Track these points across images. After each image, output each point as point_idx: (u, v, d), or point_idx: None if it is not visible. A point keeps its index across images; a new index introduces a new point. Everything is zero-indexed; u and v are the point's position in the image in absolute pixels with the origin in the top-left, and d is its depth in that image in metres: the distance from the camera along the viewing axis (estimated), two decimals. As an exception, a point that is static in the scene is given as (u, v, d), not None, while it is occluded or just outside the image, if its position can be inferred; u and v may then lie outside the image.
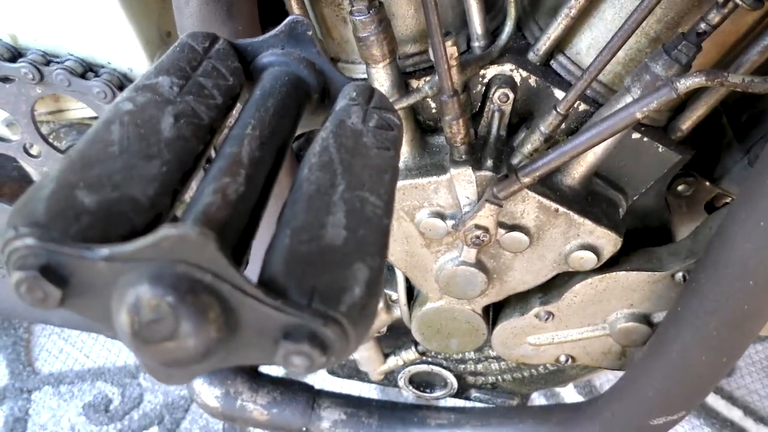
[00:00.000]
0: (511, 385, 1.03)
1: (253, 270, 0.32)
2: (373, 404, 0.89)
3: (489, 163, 0.65)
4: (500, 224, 0.68)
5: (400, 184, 0.68)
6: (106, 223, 0.29)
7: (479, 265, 0.73)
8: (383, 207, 0.34)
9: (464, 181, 0.65)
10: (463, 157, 0.64)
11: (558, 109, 0.60)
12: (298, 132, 0.43)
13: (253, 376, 0.87)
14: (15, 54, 0.73)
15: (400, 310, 0.88)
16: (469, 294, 0.76)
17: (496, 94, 0.65)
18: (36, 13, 0.70)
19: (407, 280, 0.84)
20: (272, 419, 0.86)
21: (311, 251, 0.30)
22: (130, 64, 0.73)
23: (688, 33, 0.55)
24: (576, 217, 0.66)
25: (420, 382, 1.06)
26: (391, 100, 0.61)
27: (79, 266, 0.28)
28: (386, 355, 1.01)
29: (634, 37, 0.59)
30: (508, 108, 0.66)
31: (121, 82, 0.73)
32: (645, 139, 0.66)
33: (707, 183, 0.76)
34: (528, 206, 0.66)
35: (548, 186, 0.67)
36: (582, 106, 0.65)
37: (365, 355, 1.00)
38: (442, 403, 1.09)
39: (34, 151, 0.80)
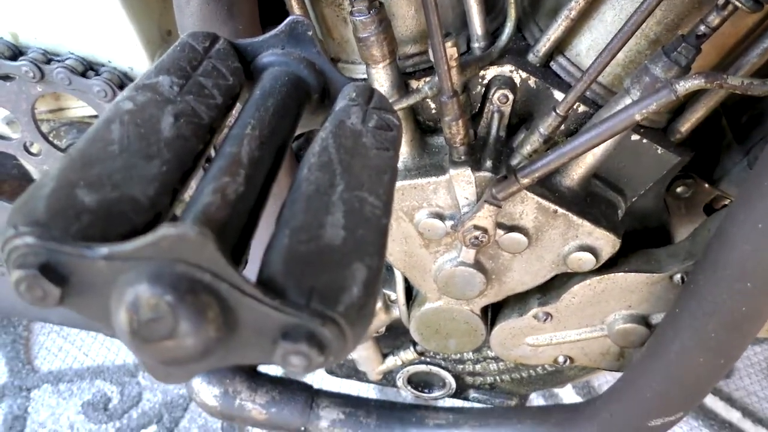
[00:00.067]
0: (510, 386, 1.03)
1: (252, 270, 0.32)
2: (372, 404, 0.89)
3: (488, 163, 0.65)
4: (499, 225, 0.68)
5: (399, 184, 0.68)
6: (106, 222, 0.29)
7: (478, 265, 0.73)
8: (382, 207, 0.34)
9: (463, 182, 0.65)
10: (463, 157, 0.64)
11: (557, 111, 0.60)
12: (298, 132, 0.44)
13: (252, 376, 0.87)
14: (16, 52, 0.73)
15: (398, 310, 0.88)
16: (468, 294, 0.76)
17: (496, 95, 0.65)
18: (37, 12, 0.70)
19: (406, 281, 0.84)
20: (271, 418, 0.86)
21: (310, 251, 0.31)
22: (131, 63, 0.73)
23: (688, 35, 0.55)
24: (575, 218, 0.67)
25: (418, 382, 1.06)
26: (390, 101, 0.61)
27: (79, 265, 0.28)
28: (385, 355, 1.01)
29: (633, 39, 0.59)
30: (507, 109, 0.66)
31: (122, 80, 0.73)
32: (644, 140, 0.66)
33: (706, 185, 0.76)
34: (527, 207, 0.67)
35: (547, 187, 0.67)
36: (581, 108, 0.65)
37: (364, 354, 1.00)
38: (441, 403, 1.09)
39: (34, 149, 0.80)
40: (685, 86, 0.51)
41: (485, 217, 0.65)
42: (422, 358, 1.01)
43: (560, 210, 0.66)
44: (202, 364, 0.30)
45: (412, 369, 1.02)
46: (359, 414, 0.87)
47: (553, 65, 0.66)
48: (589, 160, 0.65)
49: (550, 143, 0.63)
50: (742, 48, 0.60)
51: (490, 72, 0.65)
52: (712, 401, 1.42)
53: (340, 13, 0.64)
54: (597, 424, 0.76)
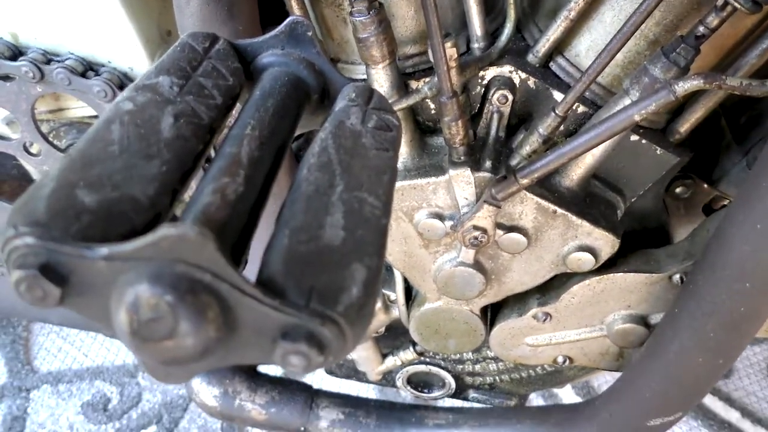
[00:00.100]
0: (509, 386, 1.03)
1: (251, 270, 0.32)
2: (371, 404, 0.89)
3: (488, 164, 0.65)
4: (498, 225, 0.68)
5: (398, 184, 0.68)
6: (106, 222, 0.29)
7: (477, 265, 0.73)
8: (381, 207, 0.34)
9: (463, 182, 0.65)
10: (462, 158, 0.64)
11: (557, 111, 0.61)
12: (298, 132, 0.44)
13: (252, 376, 0.87)
14: (16, 52, 0.73)
15: (398, 311, 0.88)
16: (468, 294, 0.76)
17: (495, 96, 0.65)
18: (37, 12, 0.70)
19: (406, 281, 0.84)
20: (270, 419, 0.86)
21: (309, 251, 0.31)
22: (131, 63, 0.73)
23: (687, 36, 0.55)
24: (574, 218, 0.67)
25: (418, 383, 1.06)
26: (390, 101, 0.61)
27: (79, 265, 0.28)
28: (384, 355, 1.02)
29: (633, 40, 0.59)
30: (507, 109, 0.66)
31: (122, 81, 0.73)
32: (643, 141, 0.66)
33: (705, 185, 0.77)
34: (526, 207, 0.67)
35: (546, 187, 0.67)
36: (581, 108, 0.65)
37: (363, 355, 1.00)
38: (440, 403, 1.09)
39: (34, 149, 0.80)
40: (684, 87, 0.51)
41: (485, 217, 0.65)
42: (422, 358, 1.01)
43: (559, 210, 0.66)
44: (202, 363, 0.30)
45: (412, 369, 1.02)
46: (359, 414, 0.88)
47: (553, 66, 0.66)
48: (589, 160, 0.65)
49: (550, 144, 0.63)
50: (741, 49, 0.60)
51: (490, 72, 0.66)
52: (711, 401, 1.42)
53: (340, 14, 0.64)
54: (596, 424, 0.77)
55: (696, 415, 1.40)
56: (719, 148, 0.75)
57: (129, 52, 0.72)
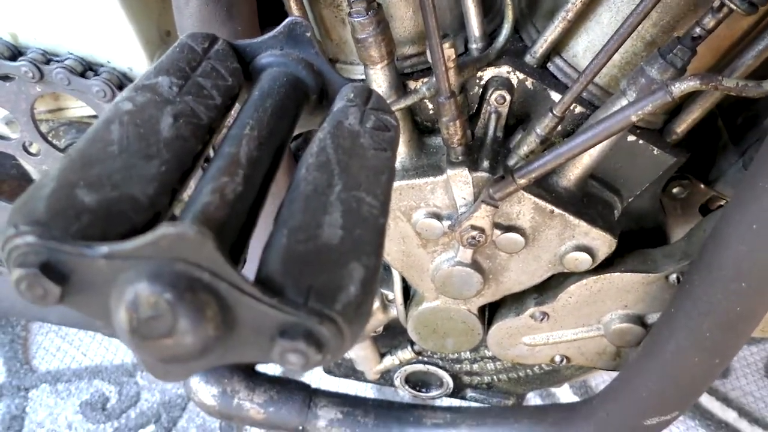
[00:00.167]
0: (507, 385, 1.04)
1: (250, 269, 0.32)
2: (370, 403, 0.89)
3: (485, 164, 0.65)
4: (496, 225, 0.68)
5: (397, 184, 0.68)
6: (106, 221, 0.30)
7: (475, 265, 0.73)
8: (379, 207, 0.35)
9: (461, 182, 0.65)
10: (460, 158, 0.65)
11: (554, 112, 0.61)
12: (296, 132, 0.44)
13: (250, 375, 0.87)
14: (15, 52, 0.73)
15: (396, 310, 0.88)
16: (465, 294, 0.77)
17: (493, 96, 0.65)
18: (36, 12, 0.70)
19: (404, 280, 0.84)
20: (269, 418, 0.86)
21: (308, 250, 0.31)
22: (130, 64, 0.73)
23: (684, 37, 0.55)
24: (571, 218, 0.67)
25: (416, 382, 1.06)
26: (388, 101, 0.61)
27: (79, 264, 0.28)
28: (382, 355, 1.02)
29: (630, 41, 0.59)
30: (504, 110, 0.66)
31: (121, 81, 0.73)
32: (640, 141, 0.66)
33: (702, 185, 0.77)
34: (524, 207, 0.67)
35: (544, 187, 0.67)
36: (578, 109, 0.66)
37: (361, 354, 1.01)
38: (438, 402, 1.09)
39: (33, 149, 0.80)
40: (680, 88, 0.51)
41: (482, 217, 0.65)
42: (420, 357, 1.01)
43: (557, 210, 0.66)
44: (201, 362, 0.30)
45: (410, 368, 1.03)
46: (357, 413, 0.88)
47: (550, 66, 0.66)
48: (586, 160, 0.65)
49: (547, 144, 0.64)
50: (738, 50, 0.61)
51: (488, 73, 0.66)
52: (708, 401, 1.43)
53: (339, 14, 0.64)
54: (593, 424, 0.77)
55: (693, 414, 1.41)
56: (716, 149, 0.75)
57: (128, 53, 0.72)
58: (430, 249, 0.74)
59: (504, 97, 0.65)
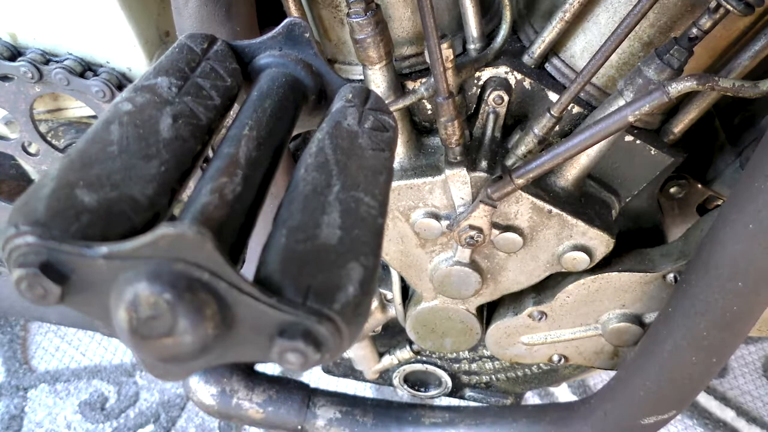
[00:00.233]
0: (505, 385, 1.04)
1: (249, 269, 0.32)
2: (368, 403, 0.89)
3: (483, 164, 0.65)
4: (494, 225, 0.69)
5: (395, 184, 0.68)
6: (106, 221, 0.30)
7: (473, 265, 0.74)
8: (378, 207, 0.35)
9: (459, 182, 0.66)
10: (458, 158, 0.65)
11: (552, 112, 0.61)
12: (295, 132, 0.44)
13: (249, 375, 0.87)
14: (14, 53, 0.73)
15: (394, 310, 0.88)
16: (464, 294, 0.77)
17: (491, 96, 0.65)
18: (36, 12, 0.70)
19: (402, 280, 0.84)
20: (268, 417, 0.87)
21: (306, 250, 0.31)
22: (129, 64, 0.73)
23: (681, 38, 0.56)
24: (569, 218, 0.67)
25: (414, 381, 1.06)
26: (387, 102, 0.61)
27: (79, 264, 0.28)
28: (381, 354, 1.02)
29: (627, 41, 0.60)
30: (502, 110, 0.66)
31: (120, 81, 0.73)
32: (638, 141, 0.66)
33: (699, 185, 0.77)
34: (522, 207, 0.67)
35: (542, 187, 0.67)
36: (576, 109, 0.66)
37: (360, 353, 1.01)
38: (437, 401, 1.10)
39: (32, 149, 0.81)
40: (677, 88, 0.52)
41: (480, 216, 0.66)
42: (418, 357, 1.01)
43: (555, 210, 0.67)
44: (200, 361, 0.30)
45: (409, 368, 1.03)
46: (356, 413, 0.88)
47: (548, 67, 0.67)
48: (584, 160, 0.65)
49: (545, 144, 0.64)
50: (734, 51, 0.61)
51: (486, 73, 0.66)
52: (706, 400, 1.43)
53: (337, 15, 0.64)
54: (591, 423, 0.77)
55: (691, 414, 1.41)
56: (713, 149, 0.75)
57: (127, 53, 0.72)
58: (429, 249, 0.74)
59: (502, 98, 0.65)
